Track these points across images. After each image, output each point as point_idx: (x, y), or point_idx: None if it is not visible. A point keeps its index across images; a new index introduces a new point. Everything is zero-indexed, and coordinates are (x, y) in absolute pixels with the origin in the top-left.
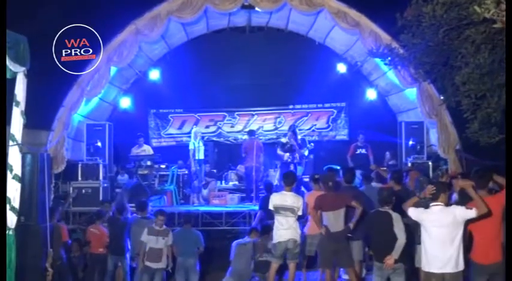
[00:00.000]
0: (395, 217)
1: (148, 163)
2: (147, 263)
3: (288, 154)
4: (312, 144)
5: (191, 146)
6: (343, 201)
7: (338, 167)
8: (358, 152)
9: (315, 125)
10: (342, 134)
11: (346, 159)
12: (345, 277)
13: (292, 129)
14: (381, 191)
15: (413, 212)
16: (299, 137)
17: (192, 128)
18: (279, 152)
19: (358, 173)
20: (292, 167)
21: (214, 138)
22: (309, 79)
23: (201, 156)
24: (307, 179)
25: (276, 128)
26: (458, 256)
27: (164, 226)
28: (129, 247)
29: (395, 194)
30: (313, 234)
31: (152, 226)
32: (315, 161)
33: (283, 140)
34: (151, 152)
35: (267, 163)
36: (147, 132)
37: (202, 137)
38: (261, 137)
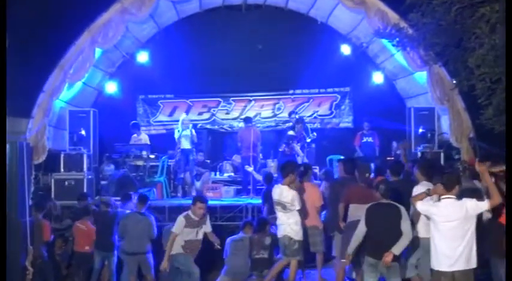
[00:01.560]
0: (404, 211)
1: (144, 153)
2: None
3: (284, 146)
4: (314, 134)
5: (176, 135)
6: (372, 195)
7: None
8: (364, 140)
9: (317, 111)
10: (346, 121)
11: (351, 148)
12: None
13: (301, 121)
14: (378, 184)
15: (422, 206)
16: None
17: (181, 116)
18: (293, 144)
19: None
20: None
21: (208, 126)
22: (311, 62)
23: (187, 145)
24: (316, 170)
25: (275, 115)
26: (470, 252)
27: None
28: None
29: (392, 186)
30: (310, 225)
31: (189, 214)
32: (317, 150)
33: (292, 132)
34: (148, 141)
35: (265, 152)
36: (135, 120)
37: (195, 125)
38: (258, 125)
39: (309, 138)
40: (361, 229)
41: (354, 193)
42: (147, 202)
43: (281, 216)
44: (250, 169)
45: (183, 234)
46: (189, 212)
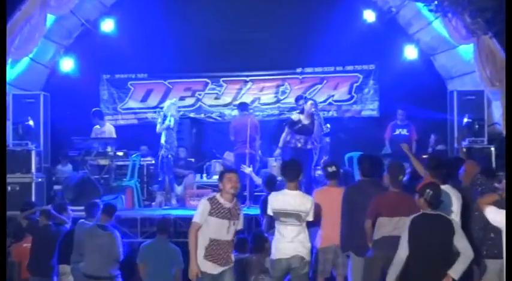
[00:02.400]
0: (457, 223)
1: (110, 149)
2: (208, 267)
3: (301, 138)
4: (327, 125)
5: (170, 123)
6: (409, 205)
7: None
8: (397, 132)
9: (333, 96)
10: (370, 109)
11: (377, 143)
12: None
13: (313, 100)
14: (424, 188)
15: (494, 214)
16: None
17: (165, 101)
18: (285, 134)
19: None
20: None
21: (192, 115)
22: (325, 32)
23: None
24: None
25: (278, 101)
26: None
27: (235, 200)
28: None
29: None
30: (326, 247)
31: (216, 198)
32: (332, 146)
33: (295, 116)
34: (114, 134)
35: (265, 148)
36: (97, 106)
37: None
38: (257, 113)
39: (322, 131)
40: (403, 253)
41: (384, 202)
42: (113, 214)
43: (290, 231)
44: (247, 169)
45: (207, 227)
46: (216, 195)
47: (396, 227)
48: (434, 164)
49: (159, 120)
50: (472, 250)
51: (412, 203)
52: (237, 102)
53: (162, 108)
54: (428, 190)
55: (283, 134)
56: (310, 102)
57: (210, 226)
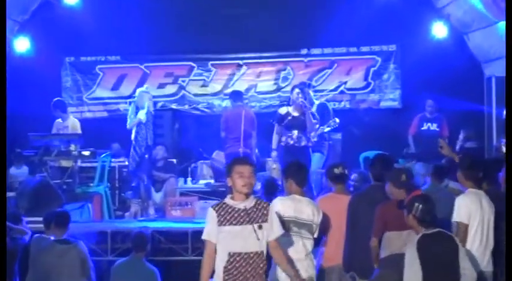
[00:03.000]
0: (459, 243)
1: (73, 147)
2: None
3: (293, 133)
4: (336, 120)
5: (142, 117)
6: None
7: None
8: (425, 127)
9: (345, 83)
10: (391, 99)
11: (396, 140)
12: None
13: (300, 86)
14: (413, 201)
15: None
16: (316, 101)
17: (137, 88)
18: (276, 132)
19: (419, 165)
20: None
21: (174, 106)
22: (335, 6)
23: (149, 139)
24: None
25: (279, 89)
26: None
27: (254, 196)
28: None
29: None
30: (330, 266)
31: (224, 202)
32: (345, 144)
33: (282, 109)
34: (79, 129)
35: (263, 147)
36: (59, 96)
37: (154, 104)
38: (253, 104)
39: (329, 125)
40: (416, 276)
41: (390, 213)
42: (67, 224)
43: (305, 244)
44: None
45: (223, 240)
46: (226, 198)
47: (407, 242)
48: (467, 164)
49: (130, 113)
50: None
51: None
52: (228, 91)
53: (134, 97)
54: (417, 204)
55: (274, 133)
56: (296, 90)
57: (227, 238)
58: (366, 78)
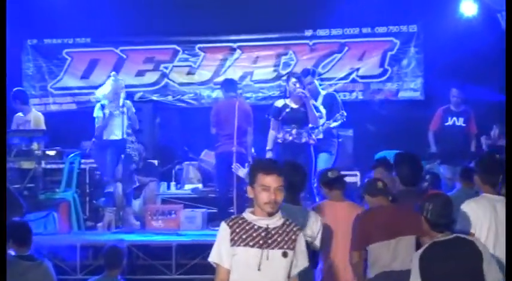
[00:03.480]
0: (484, 247)
1: (35, 146)
2: None
3: (292, 128)
4: (343, 113)
5: (98, 114)
6: (413, 221)
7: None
8: (449, 122)
9: (357, 70)
10: (412, 88)
11: (418, 137)
12: None
13: (297, 75)
14: (426, 201)
15: None
16: (322, 92)
17: (109, 77)
18: (272, 128)
19: (444, 167)
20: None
21: (155, 97)
22: None
23: (118, 134)
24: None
25: (279, 77)
26: None
27: (280, 215)
28: None
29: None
30: None
31: (242, 217)
32: (357, 142)
33: (279, 102)
34: (42, 124)
35: (260, 145)
36: (19, 85)
37: (131, 96)
38: (248, 95)
39: (336, 119)
40: None
41: (376, 221)
42: (28, 239)
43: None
44: (241, 171)
45: (235, 265)
46: (245, 212)
47: (396, 255)
48: (485, 167)
49: (98, 107)
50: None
51: (416, 216)
52: (219, 79)
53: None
54: (427, 204)
55: (270, 130)
56: (292, 80)
57: (238, 264)
58: (381, 65)
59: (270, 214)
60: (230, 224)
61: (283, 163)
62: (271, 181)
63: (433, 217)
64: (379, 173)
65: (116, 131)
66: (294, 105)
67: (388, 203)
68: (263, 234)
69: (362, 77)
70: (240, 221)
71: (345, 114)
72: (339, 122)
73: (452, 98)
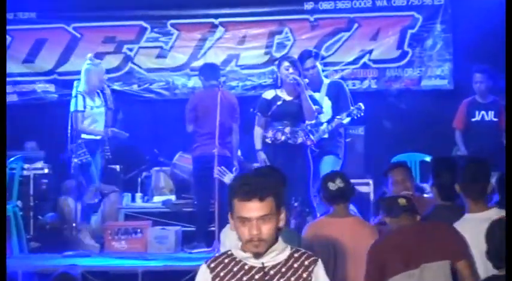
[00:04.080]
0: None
1: None
2: None
3: (285, 125)
4: (361, 106)
5: (79, 107)
6: (443, 242)
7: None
8: (477, 118)
9: (369, 52)
10: (437, 75)
11: (446, 136)
12: None
13: (290, 59)
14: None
15: None
16: (325, 81)
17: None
18: (257, 127)
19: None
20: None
21: (117, 86)
22: None
23: (100, 131)
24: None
25: (272, 61)
26: None
27: (283, 246)
28: None
29: None
30: None
31: (226, 253)
32: (369, 142)
33: (268, 93)
34: None
35: (248, 146)
36: None
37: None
38: (234, 83)
39: (350, 114)
40: None
41: (392, 249)
42: None
43: None
44: (227, 178)
45: None
46: (234, 247)
47: None
48: (469, 173)
49: (79, 99)
50: None
51: (448, 235)
52: (197, 64)
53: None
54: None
55: (256, 127)
56: (284, 64)
57: None
58: (400, 46)
59: (257, 255)
60: (212, 265)
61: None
62: (250, 209)
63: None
64: (398, 176)
65: (98, 129)
66: (288, 97)
67: (413, 223)
68: (257, 277)
69: (375, 62)
70: (225, 261)
71: (363, 107)
72: (353, 116)
73: (475, 85)
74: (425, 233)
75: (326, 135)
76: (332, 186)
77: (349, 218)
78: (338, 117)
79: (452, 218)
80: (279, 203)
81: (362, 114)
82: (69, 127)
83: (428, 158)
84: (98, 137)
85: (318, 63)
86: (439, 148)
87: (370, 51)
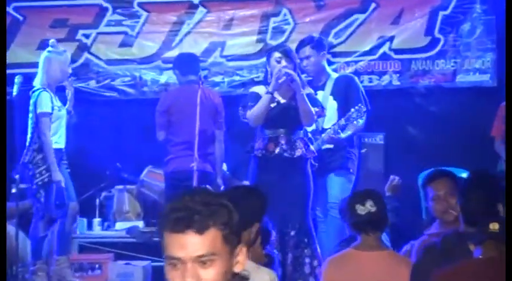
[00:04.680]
0: None
1: None
2: None
3: (279, 134)
4: (360, 107)
5: (46, 108)
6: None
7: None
8: None
9: (390, 39)
10: (476, 69)
11: (485, 148)
12: None
13: (283, 48)
14: None
15: None
16: (332, 74)
17: (47, 48)
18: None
19: None
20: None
21: (66, 84)
22: None
23: (61, 141)
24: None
25: (267, 50)
26: None
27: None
28: None
29: None
30: None
31: None
32: (390, 154)
33: (260, 89)
34: None
35: (238, 158)
36: None
37: (29, 80)
38: (217, 79)
39: (348, 119)
40: None
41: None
42: None
43: None
44: None
45: None
46: None
47: None
48: (469, 192)
49: (45, 98)
50: None
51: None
52: (171, 55)
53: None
54: None
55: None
56: (276, 54)
57: None
58: (429, 31)
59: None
60: None
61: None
62: (183, 246)
63: None
64: (441, 190)
65: (61, 135)
66: (282, 99)
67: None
68: None
69: (398, 51)
70: None
71: (364, 108)
72: (355, 120)
73: None
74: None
75: (330, 145)
76: (361, 210)
77: (382, 251)
78: (340, 121)
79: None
80: (233, 237)
81: (363, 119)
82: (29, 135)
83: (465, 175)
84: (61, 146)
85: (321, 54)
86: (479, 161)
87: (391, 39)
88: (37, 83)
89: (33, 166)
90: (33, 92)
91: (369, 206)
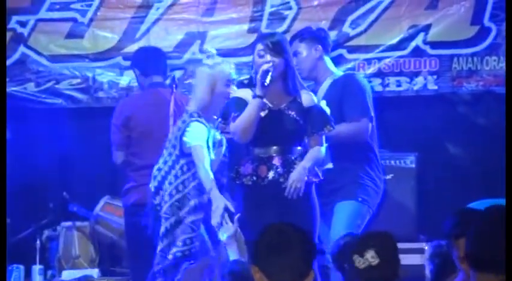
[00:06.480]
0: None
1: None
2: None
3: (270, 153)
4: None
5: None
6: None
7: None
8: None
9: (425, 29)
10: None
11: None
12: None
13: (272, 39)
14: None
15: None
16: (337, 73)
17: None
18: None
19: None
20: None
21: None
22: None
23: None
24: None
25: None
26: None
27: None
28: None
29: None
30: None
31: None
32: (423, 180)
33: (244, 93)
34: None
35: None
36: None
37: None
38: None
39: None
40: None
41: None
42: None
43: None
44: (224, 235)
45: None
46: None
47: None
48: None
49: None
50: None
51: None
52: (134, 48)
53: None
54: None
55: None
56: (259, 47)
57: None
58: (477, 20)
59: None
60: None
61: (260, 234)
62: None
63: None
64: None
65: None
66: (273, 105)
67: None
68: None
69: (435, 45)
70: None
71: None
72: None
73: None
74: None
75: (330, 165)
76: (359, 262)
77: None
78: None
79: None
80: None
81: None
82: None
83: None
84: None
85: (315, 49)
86: None
87: (427, 28)
88: None
89: None
90: None
91: (370, 258)
